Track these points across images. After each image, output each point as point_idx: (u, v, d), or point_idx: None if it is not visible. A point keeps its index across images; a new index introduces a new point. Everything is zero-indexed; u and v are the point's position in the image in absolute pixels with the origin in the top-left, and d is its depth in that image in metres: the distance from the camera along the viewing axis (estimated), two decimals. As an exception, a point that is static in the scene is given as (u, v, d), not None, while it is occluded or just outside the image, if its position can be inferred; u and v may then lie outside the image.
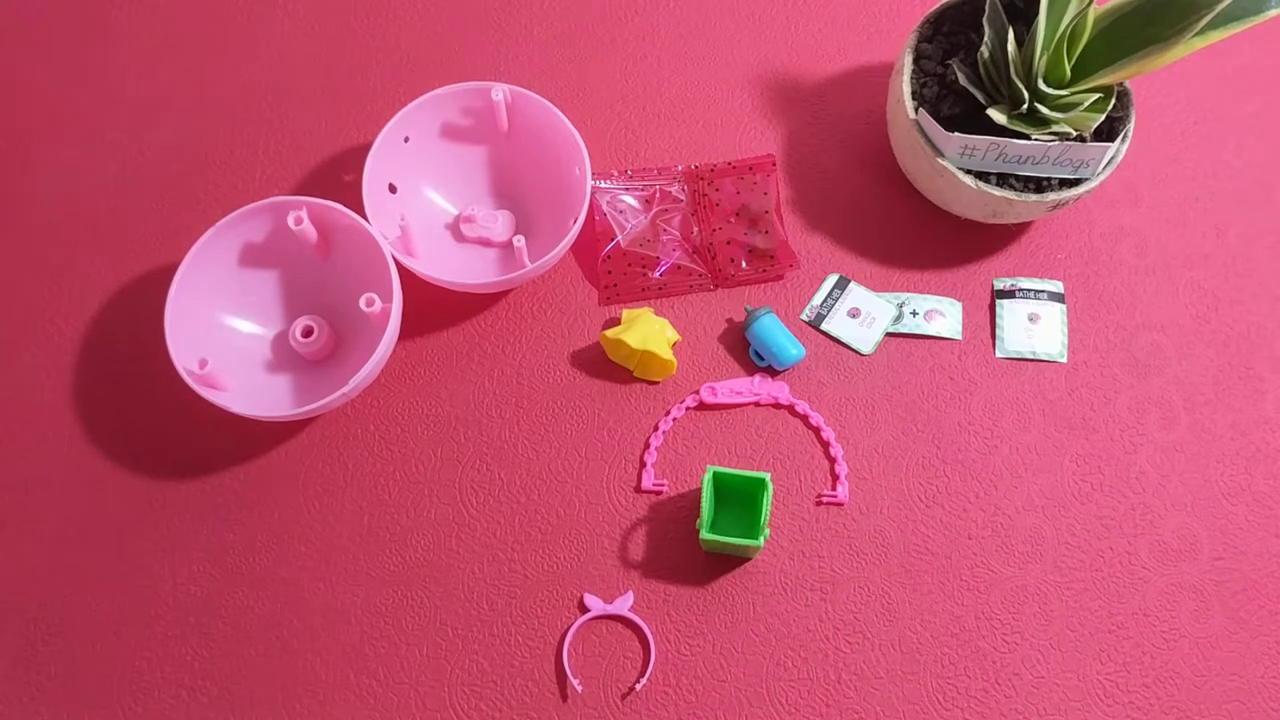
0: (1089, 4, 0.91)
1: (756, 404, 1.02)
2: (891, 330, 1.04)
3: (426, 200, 1.07)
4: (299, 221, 0.96)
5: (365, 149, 1.04)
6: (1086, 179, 0.98)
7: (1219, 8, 0.85)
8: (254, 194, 1.11)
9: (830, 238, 1.09)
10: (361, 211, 0.97)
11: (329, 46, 1.18)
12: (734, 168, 1.10)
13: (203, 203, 1.11)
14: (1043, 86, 0.94)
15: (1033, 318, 1.05)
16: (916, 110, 0.99)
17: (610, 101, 1.15)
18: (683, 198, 1.09)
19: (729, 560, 0.97)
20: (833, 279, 1.07)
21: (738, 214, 1.08)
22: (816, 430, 1.01)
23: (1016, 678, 0.93)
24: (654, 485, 0.99)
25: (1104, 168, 0.99)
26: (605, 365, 1.04)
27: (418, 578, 0.97)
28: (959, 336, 1.04)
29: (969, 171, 0.98)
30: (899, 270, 1.07)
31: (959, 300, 1.06)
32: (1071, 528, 0.98)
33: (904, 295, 1.06)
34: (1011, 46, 0.94)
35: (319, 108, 1.15)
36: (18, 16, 1.21)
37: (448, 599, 0.96)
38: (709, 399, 1.01)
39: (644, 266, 1.06)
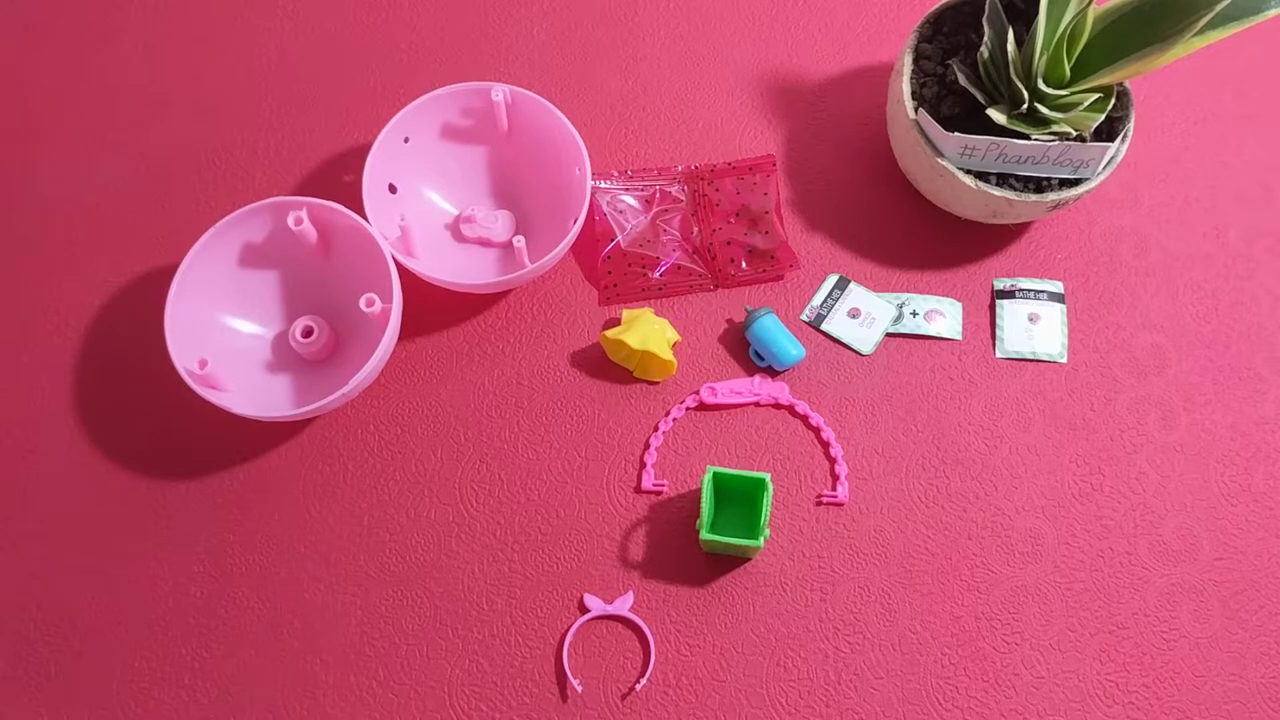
0: (1089, 4, 0.91)
1: (756, 404, 1.02)
2: (891, 330, 1.04)
3: (426, 200, 1.07)
4: (299, 222, 0.96)
5: (365, 149, 1.04)
6: (1086, 179, 0.98)
7: (1219, 8, 0.85)
8: (254, 194, 1.11)
9: (830, 238, 1.09)
10: (361, 212, 0.97)
11: (329, 47, 1.18)
12: (734, 168, 1.10)
13: (203, 203, 1.11)
14: (1043, 86, 0.94)
15: (1033, 318, 1.05)
16: (916, 110, 0.99)
17: (610, 101, 1.15)
18: (683, 198, 1.09)
19: (729, 560, 0.97)
20: (833, 279, 1.07)
21: (738, 214, 1.08)
22: (816, 430, 1.01)
23: (1016, 678, 0.93)
24: (654, 485, 0.99)
25: (1104, 168, 0.99)
26: (605, 365, 1.04)
27: (418, 578, 0.97)
28: (959, 337, 1.04)
29: (969, 171, 0.98)
30: (899, 270, 1.07)
31: (959, 300, 1.06)
32: (1071, 528, 0.98)
33: (904, 295, 1.06)
34: (1011, 46, 0.94)
35: (319, 108, 1.15)
36: (18, 16, 1.21)
37: (448, 599, 0.96)
38: (709, 399, 1.01)
39: (644, 267, 1.06)
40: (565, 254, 1.06)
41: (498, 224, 1.06)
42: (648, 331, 0.99)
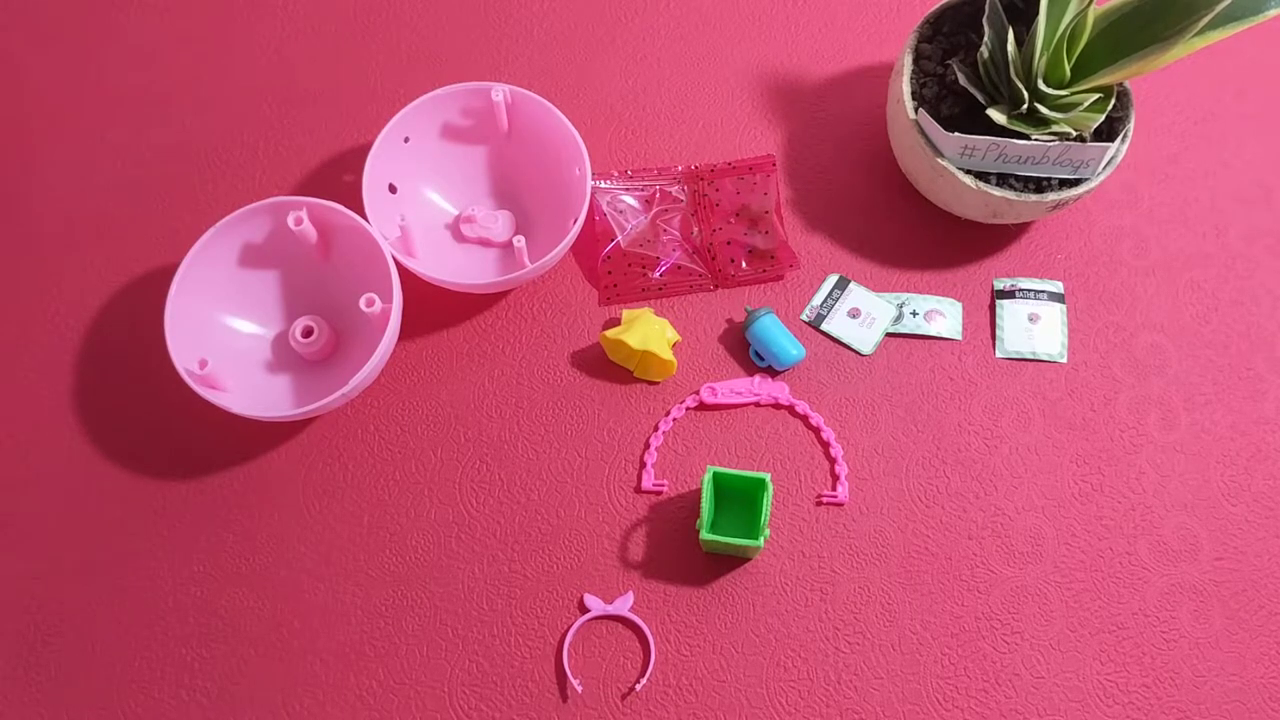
0: (1089, 4, 0.91)
1: (756, 404, 1.02)
2: (891, 330, 1.04)
3: (426, 200, 1.07)
4: (299, 222, 0.96)
5: (365, 149, 1.04)
6: (1086, 179, 0.98)
7: (1219, 8, 0.85)
8: (254, 194, 1.11)
9: (830, 238, 1.09)
10: (361, 211, 0.97)
11: (329, 46, 1.18)
12: (734, 168, 1.10)
13: (203, 203, 1.11)
14: (1043, 86, 0.94)
15: (1033, 318, 1.05)
16: (916, 110, 0.99)
17: (610, 101, 1.15)
18: (683, 198, 1.09)
19: (729, 560, 0.97)
20: (833, 279, 1.07)
21: (738, 214, 1.08)
22: (816, 430, 1.01)
23: (1016, 678, 0.93)
24: (654, 485, 0.99)
25: (1104, 168, 0.99)
26: (605, 365, 1.04)
27: (418, 578, 0.97)
28: (959, 337, 1.04)
29: (969, 171, 0.98)
30: (899, 270, 1.07)
31: (959, 300, 1.06)
32: (1071, 528, 0.98)
33: (904, 295, 1.06)
34: (1011, 46, 0.94)
35: (319, 108, 1.15)
36: (18, 16, 1.21)
37: (448, 599, 0.96)
38: (709, 399, 1.01)
39: (644, 267, 1.06)
40: (565, 254, 1.06)
41: (498, 224, 1.06)
42: (648, 331, 0.99)
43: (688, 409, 1.02)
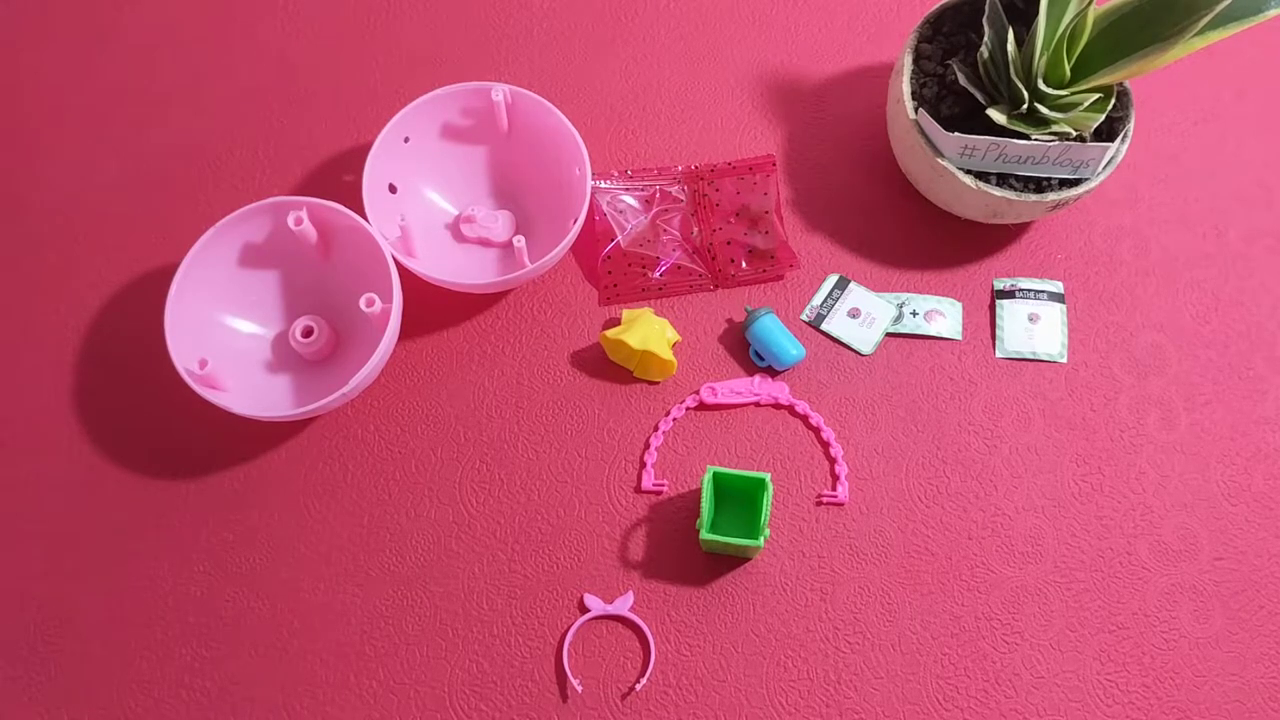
0: (1089, 4, 0.91)
1: (756, 404, 1.02)
2: (891, 330, 1.04)
3: (426, 200, 1.07)
4: (299, 222, 0.96)
5: (365, 149, 1.04)
6: (1086, 179, 0.98)
7: (1219, 8, 0.85)
8: (254, 194, 1.11)
9: (830, 238, 1.09)
10: (361, 211, 0.97)
11: (329, 46, 1.18)
12: (734, 168, 1.10)
13: (203, 203, 1.11)
14: (1043, 86, 0.94)
15: (1033, 318, 1.05)
16: (916, 110, 0.99)
17: (610, 101, 1.15)
18: (683, 198, 1.09)
19: (729, 560, 0.97)
20: (833, 279, 1.07)
21: (738, 214, 1.08)
22: (816, 430, 1.01)
23: (1016, 678, 0.93)
24: (654, 485, 0.99)
25: (1104, 168, 0.99)
26: (605, 365, 1.04)
27: (418, 578, 0.97)
28: (959, 337, 1.04)
29: (969, 171, 0.98)
30: (899, 270, 1.07)
31: (959, 300, 1.06)
32: (1071, 528, 0.98)
33: (904, 295, 1.06)
34: (1011, 46, 0.94)
35: (319, 108, 1.15)
36: (19, 16, 1.21)
37: (448, 599, 0.96)
38: (709, 399, 1.01)
39: (644, 267, 1.06)
40: (565, 254, 1.06)
41: (498, 224, 1.06)
42: (648, 331, 0.99)
43: (688, 409, 1.02)
